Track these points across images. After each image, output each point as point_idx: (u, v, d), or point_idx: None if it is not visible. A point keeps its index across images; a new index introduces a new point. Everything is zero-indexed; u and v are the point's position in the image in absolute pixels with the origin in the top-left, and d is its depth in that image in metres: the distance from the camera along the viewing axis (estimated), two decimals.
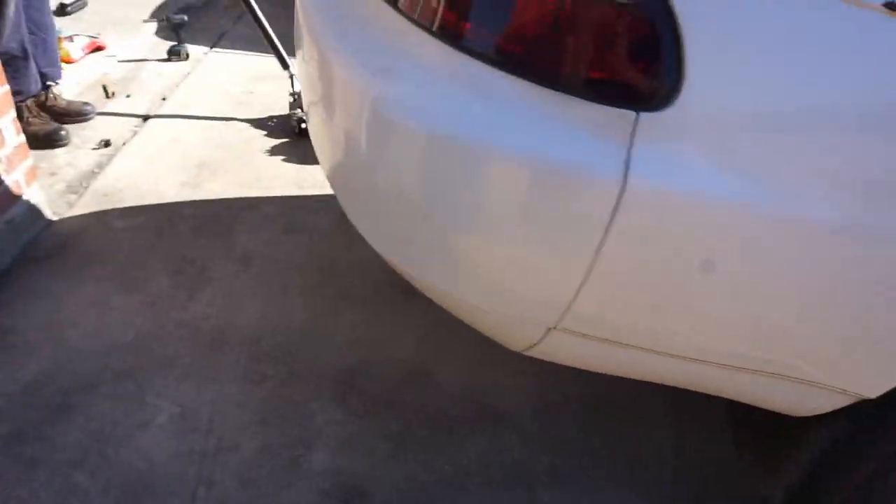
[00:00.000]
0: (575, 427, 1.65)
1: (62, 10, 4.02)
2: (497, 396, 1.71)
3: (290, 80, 2.97)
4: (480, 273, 1.02)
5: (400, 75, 1.00)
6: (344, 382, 1.71)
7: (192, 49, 3.69)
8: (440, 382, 1.73)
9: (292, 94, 2.92)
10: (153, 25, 3.99)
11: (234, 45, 3.92)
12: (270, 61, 3.57)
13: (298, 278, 2.05)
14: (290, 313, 1.91)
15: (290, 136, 2.89)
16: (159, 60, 3.59)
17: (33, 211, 2.10)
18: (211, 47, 3.88)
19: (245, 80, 3.44)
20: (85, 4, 4.21)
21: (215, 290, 1.97)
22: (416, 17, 0.97)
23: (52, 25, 2.77)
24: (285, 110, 3.07)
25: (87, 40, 3.50)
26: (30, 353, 1.70)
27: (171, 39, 3.69)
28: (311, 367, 1.74)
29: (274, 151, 2.77)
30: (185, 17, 3.57)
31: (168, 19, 3.54)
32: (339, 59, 1.11)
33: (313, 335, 1.85)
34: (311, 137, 1.48)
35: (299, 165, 2.68)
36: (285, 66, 2.98)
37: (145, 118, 2.94)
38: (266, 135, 2.90)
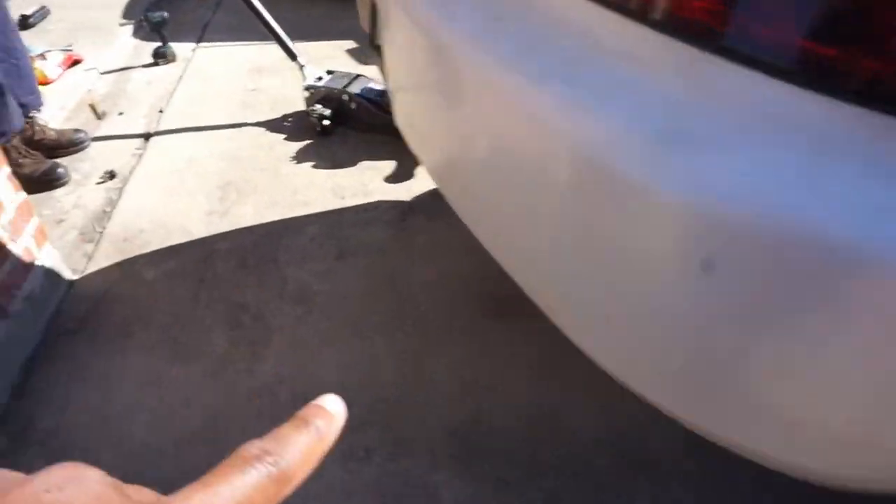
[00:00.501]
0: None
1: (24, 23, 3.58)
2: (640, 436, 1.44)
3: (300, 72, 2.61)
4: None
5: (690, 135, 0.59)
6: (461, 443, 1.43)
7: (178, 47, 3.30)
8: (572, 427, 1.46)
9: (307, 89, 2.57)
10: (129, 27, 3.58)
11: (221, 37, 3.52)
12: (266, 51, 3.20)
13: (368, 314, 1.76)
14: (374, 361, 1.63)
15: (313, 135, 2.55)
16: (145, 66, 3.20)
17: (51, 276, 1.79)
18: (197, 42, 3.48)
19: (245, 76, 3.07)
20: (48, 13, 3.77)
21: (280, 343, 1.68)
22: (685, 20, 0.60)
23: (23, 47, 2.39)
24: (299, 106, 2.72)
25: (61, 55, 3.10)
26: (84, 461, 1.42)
27: (151, 40, 3.30)
28: (420, 430, 1.46)
29: (300, 157, 2.43)
30: (166, 15, 3.16)
31: (146, 19, 3.14)
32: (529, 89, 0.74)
33: (408, 386, 1.57)
34: (441, 180, 1.15)
35: (331, 170, 2.35)
36: (293, 56, 2.61)
37: (146, 137, 2.59)
38: (286, 138, 2.56)
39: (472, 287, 1.83)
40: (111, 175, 2.32)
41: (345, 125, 2.59)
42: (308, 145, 2.50)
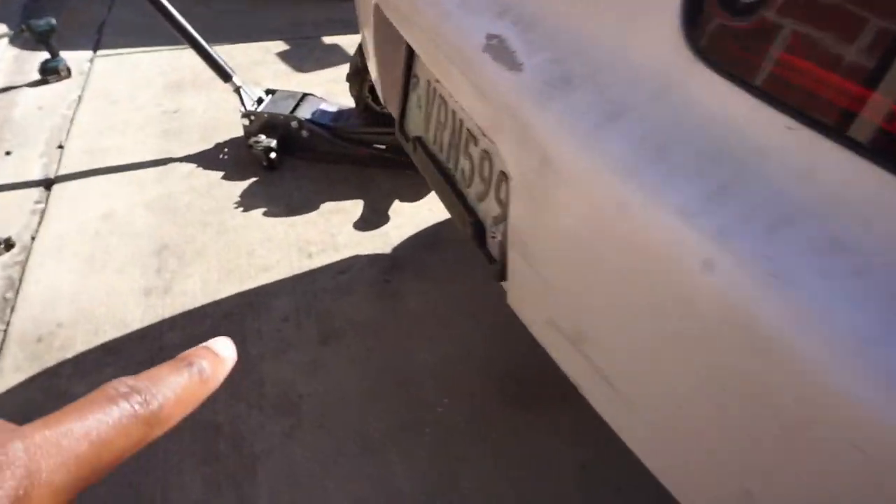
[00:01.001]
0: None
1: None
2: None
3: (238, 95, 2.16)
4: None
5: None
6: None
7: (70, 58, 2.73)
8: None
9: (247, 116, 2.13)
10: (3, 37, 2.96)
11: (124, 41, 2.96)
12: (182, 58, 2.71)
13: (372, 419, 1.41)
14: (392, 488, 1.29)
15: (257, 170, 2.12)
16: (31, 85, 2.63)
17: None
18: (94, 50, 2.91)
19: (161, 93, 2.57)
20: None
21: (270, 475, 1.31)
22: None
23: None
24: (235, 131, 2.27)
25: None
26: None
27: (35, 48, 2.72)
28: None
29: (247, 202, 2.01)
30: (53, 21, 2.59)
31: (29, 28, 2.56)
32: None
33: None
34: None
35: (288, 218, 1.95)
36: (226, 76, 2.16)
37: (47, 185, 2.08)
38: (225, 176, 2.12)
39: (487, 368, 1.52)
40: (7, 245, 1.83)
41: (293, 155, 2.18)
42: (254, 185, 2.08)
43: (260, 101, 2.20)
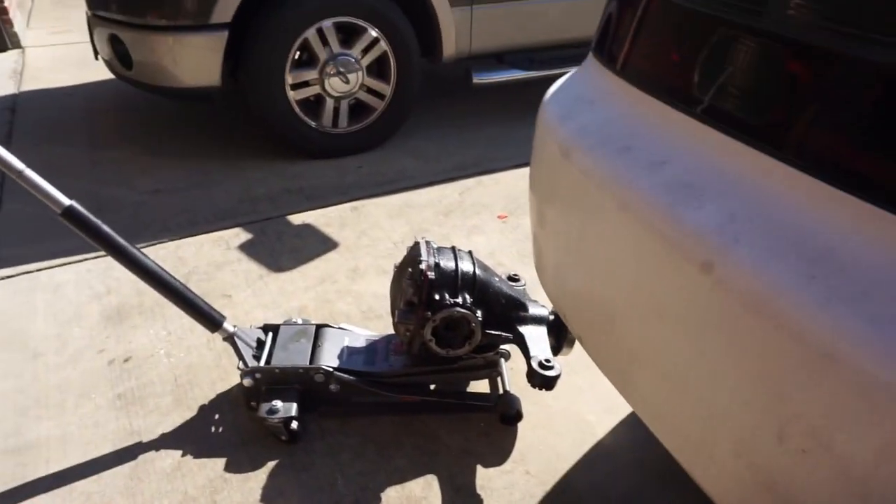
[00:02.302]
0: None
1: None
2: None
3: (232, 345, 1.55)
4: None
5: None
6: None
7: None
8: None
9: (249, 374, 1.52)
10: None
11: (30, 252, 2.24)
12: (112, 267, 2.00)
13: None
14: None
15: (274, 446, 1.50)
16: None
17: None
18: None
19: (99, 329, 1.88)
20: None
21: None
22: None
23: None
24: (217, 380, 1.65)
25: None
26: None
27: None
28: None
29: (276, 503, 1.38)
30: None
31: None
32: None
33: None
34: None
35: None
36: (215, 325, 1.54)
37: None
38: (228, 465, 1.47)
39: None
40: None
41: (315, 411, 1.59)
42: (277, 474, 1.45)
43: (260, 344, 1.60)
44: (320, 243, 2.30)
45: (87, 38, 4.61)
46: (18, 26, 4.68)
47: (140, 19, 2.56)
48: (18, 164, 1.30)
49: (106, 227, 1.38)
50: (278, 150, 2.94)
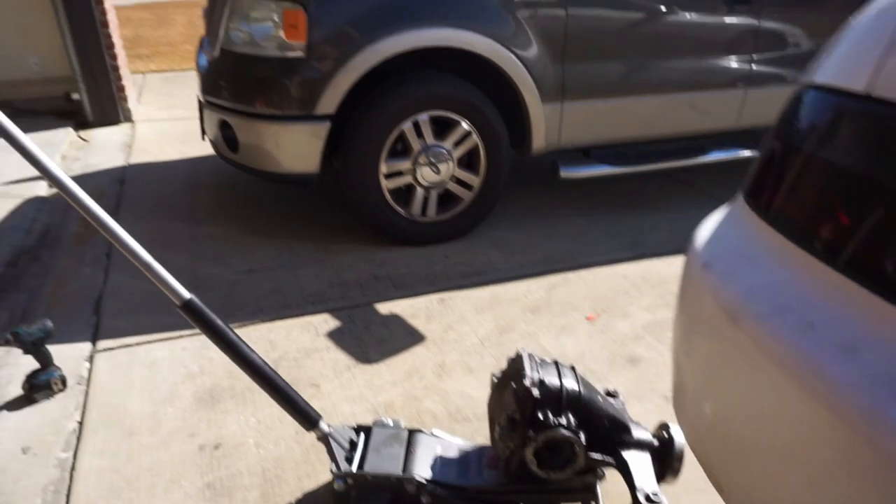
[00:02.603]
0: None
1: None
2: None
3: (326, 445, 1.54)
4: None
5: None
6: None
7: (63, 354, 2.08)
8: None
9: (342, 477, 1.49)
10: None
11: (130, 324, 2.33)
12: (207, 346, 2.03)
13: None
14: None
15: None
16: (12, 406, 1.94)
17: None
18: (93, 342, 2.27)
19: (191, 411, 1.90)
20: None
21: None
22: None
23: None
24: (304, 477, 1.62)
25: None
26: None
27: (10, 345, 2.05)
28: None
29: None
30: (50, 325, 1.97)
31: (17, 338, 1.92)
32: None
33: None
34: None
35: None
36: (311, 424, 1.54)
37: None
38: None
39: None
40: None
41: None
42: None
43: (352, 445, 1.58)
44: (407, 335, 2.30)
45: (192, 115, 4.94)
46: (131, 101, 5.05)
47: (249, 108, 2.71)
48: (146, 256, 1.35)
49: (220, 323, 1.41)
50: (367, 235, 3.00)
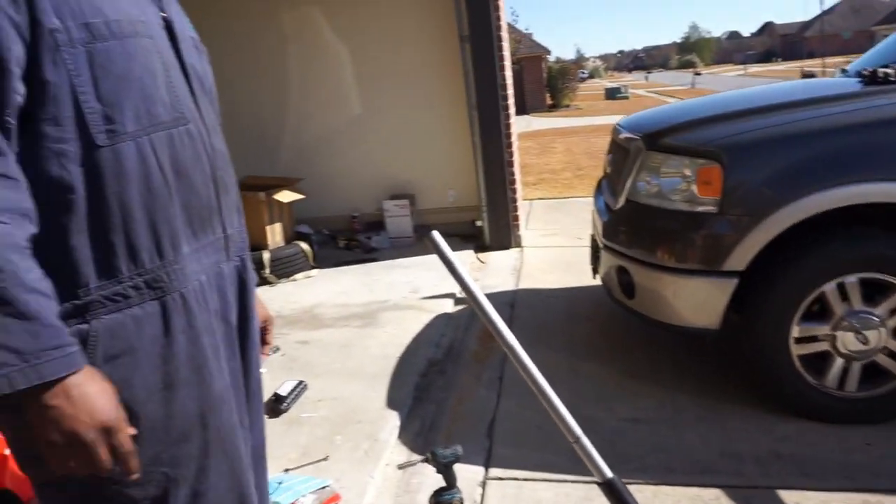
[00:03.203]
0: None
1: (275, 408, 2.83)
2: None
3: None
4: None
5: None
6: None
7: (458, 474, 2.24)
8: None
9: None
10: (395, 422, 2.66)
11: (518, 456, 2.40)
12: (593, 496, 1.91)
13: None
14: None
15: None
16: None
17: None
18: (486, 467, 2.41)
19: None
20: (305, 388, 3.04)
21: None
22: None
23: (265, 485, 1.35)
24: None
25: (314, 497, 2.16)
26: None
27: (419, 449, 2.28)
28: None
29: None
30: (460, 450, 2.16)
31: (434, 457, 2.15)
32: None
33: None
34: None
35: None
36: None
37: None
38: None
39: None
40: None
41: None
42: None
43: None
44: None
45: (572, 244, 5.23)
46: (521, 228, 5.60)
47: (650, 257, 2.71)
48: (577, 429, 1.37)
49: None
50: (763, 401, 2.67)
